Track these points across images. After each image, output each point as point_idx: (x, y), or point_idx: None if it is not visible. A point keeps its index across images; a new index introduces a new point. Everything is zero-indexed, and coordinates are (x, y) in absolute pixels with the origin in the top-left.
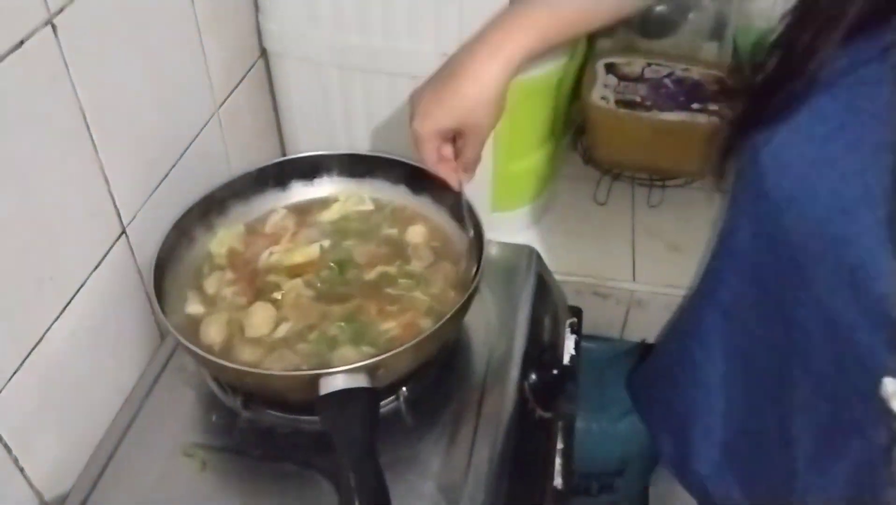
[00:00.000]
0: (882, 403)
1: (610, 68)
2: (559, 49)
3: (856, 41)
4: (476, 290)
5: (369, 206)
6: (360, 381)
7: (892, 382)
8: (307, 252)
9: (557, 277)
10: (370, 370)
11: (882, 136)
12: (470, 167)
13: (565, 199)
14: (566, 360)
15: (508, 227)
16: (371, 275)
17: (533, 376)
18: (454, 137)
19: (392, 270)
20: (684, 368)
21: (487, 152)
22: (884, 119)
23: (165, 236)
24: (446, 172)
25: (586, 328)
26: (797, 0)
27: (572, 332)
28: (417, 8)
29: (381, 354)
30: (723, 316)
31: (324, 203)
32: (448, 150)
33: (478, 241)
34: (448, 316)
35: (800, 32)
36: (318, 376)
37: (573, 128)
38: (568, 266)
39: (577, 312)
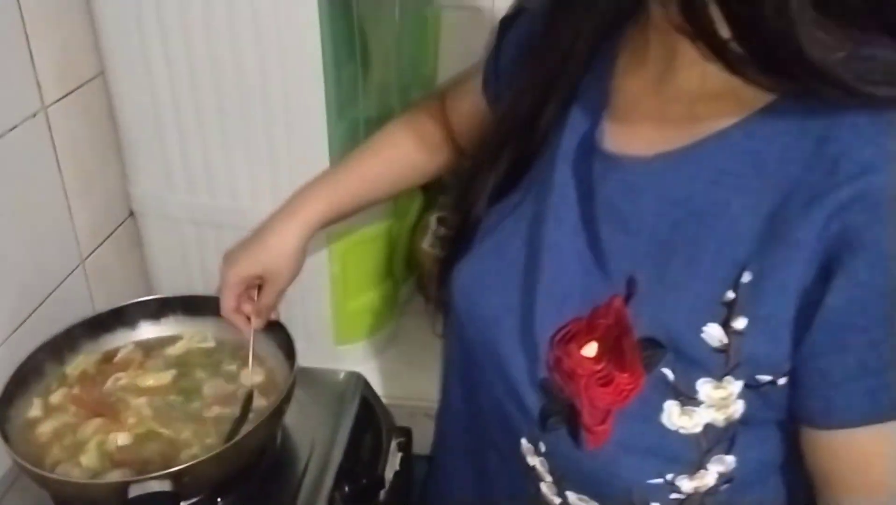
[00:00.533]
0: (523, 459)
1: (441, 221)
2: (355, 212)
3: (502, 200)
4: (277, 417)
5: (211, 344)
6: (164, 487)
7: (524, 441)
8: (160, 376)
9: (393, 401)
10: (174, 477)
11: (517, 267)
12: (264, 313)
13: (410, 331)
14: (390, 474)
15: (352, 358)
16: (210, 413)
17: (346, 488)
18: (258, 287)
19: (227, 412)
20: (440, 477)
21: (325, 292)
22: (516, 255)
23: (10, 376)
24: (240, 322)
25: (424, 449)
26: (461, 177)
27: (400, 449)
28: (254, 172)
29: (185, 463)
30: (454, 419)
31: (171, 340)
32: (248, 303)
33: (289, 370)
34: (236, 439)
35: (462, 198)
36: (128, 484)
37: (417, 272)
38: (404, 391)
39: (406, 431)
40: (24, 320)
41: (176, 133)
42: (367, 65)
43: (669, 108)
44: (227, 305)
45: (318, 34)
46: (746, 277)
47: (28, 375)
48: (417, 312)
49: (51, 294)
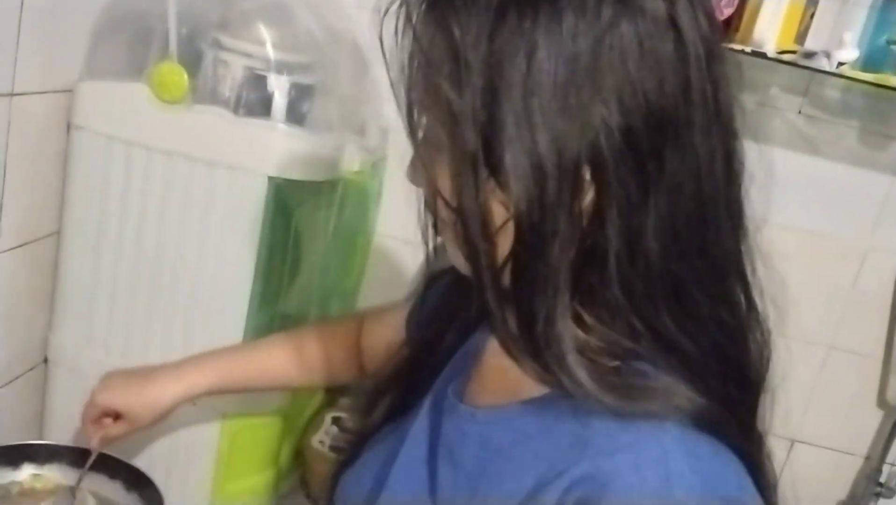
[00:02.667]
0: None
1: (335, 420)
2: (242, 392)
3: (393, 418)
4: None
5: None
6: None
7: None
8: None
9: None
10: None
11: (372, 475)
12: (107, 441)
13: None
14: None
15: None
16: None
17: None
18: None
19: None
20: None
21: (209, 467)
22: (376, 466)
23: None
24: (92, 433)
25: None
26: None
27: None
28: (168, 346)
29: None
30: None
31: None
32: (108, 421)
33: None
34: None
35: (363, 413)
36: None
37: (305, 465)
38: None
39: None
40: None
41: (107, 296)
42: (295, 269)
43: (506, 373)
44: (88, 416)
45: (258, 236)
46: None
47: None
48: None
49: None
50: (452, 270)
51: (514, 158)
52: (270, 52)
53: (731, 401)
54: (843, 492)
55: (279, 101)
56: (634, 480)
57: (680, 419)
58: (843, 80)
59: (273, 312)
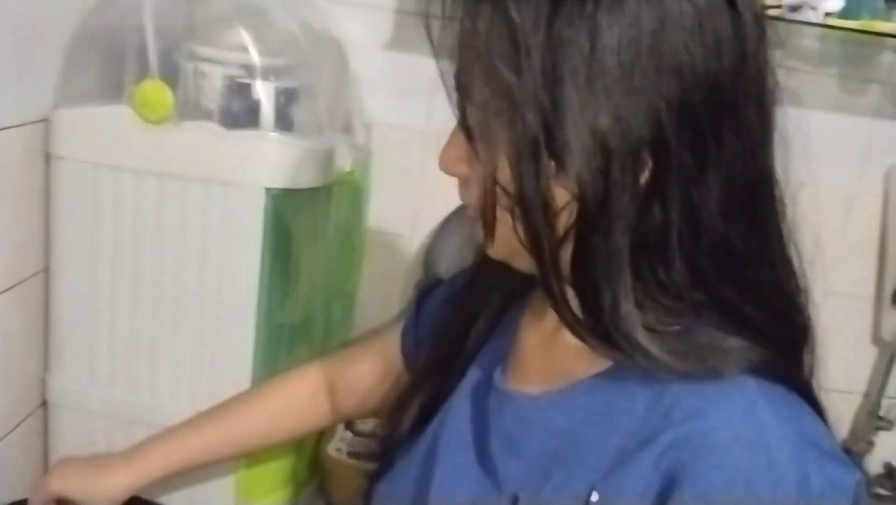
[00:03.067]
0: None
1: (349, 425)
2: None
3: (426, 424)
4: None
5: None
6: None
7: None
8: None
9: None
10: None
11: (412, 483)
12: None
13: None
14: None
15: None
16: None
17: None
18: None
19: None
20: None
21: (230, 494)
22: (414, 472)
23: None
24: None
25: None
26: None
27: None
28: (177, 372)
29: None
30: None
31: None
32: None
33: None
34: None
35: (390, 419)
36: None
37: (320, 475)
38: None
39: None
40: None
41: (106, 329)
42: (298, 278)
43: (556, 355)
44: (36, 501)
45: (259, 250)
46: (594, 497)
47: None
48: None
49: None
50: (453, 276)
51: (578, 141)
52: (254, 57)
53: (790, 359)
54: (844, 430)
55: (267, 109)
56: (730, 435)
57: (753, 373)
58: (820, 30)
59: (280, 325)
